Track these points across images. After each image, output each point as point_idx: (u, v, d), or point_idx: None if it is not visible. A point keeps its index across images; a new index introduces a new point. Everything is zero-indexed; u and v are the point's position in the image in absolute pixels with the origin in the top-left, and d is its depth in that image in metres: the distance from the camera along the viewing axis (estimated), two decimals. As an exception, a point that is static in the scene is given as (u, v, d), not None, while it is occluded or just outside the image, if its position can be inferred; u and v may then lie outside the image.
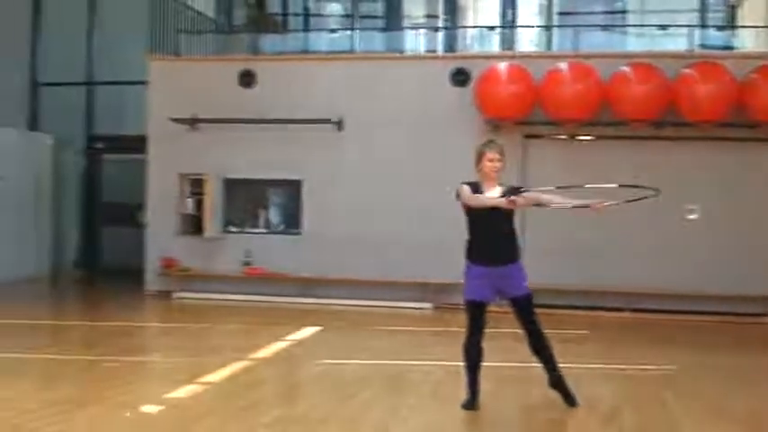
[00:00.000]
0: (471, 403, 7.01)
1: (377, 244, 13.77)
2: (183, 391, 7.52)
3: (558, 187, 7.25)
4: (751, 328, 12.63)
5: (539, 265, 13.29)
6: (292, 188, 14.53)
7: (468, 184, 6.99)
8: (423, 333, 11.61)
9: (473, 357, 7.03)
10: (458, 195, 6.98)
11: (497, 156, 6.98)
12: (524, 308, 7.06)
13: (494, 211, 6.87)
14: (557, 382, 7.14)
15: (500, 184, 7.04)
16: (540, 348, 7.10)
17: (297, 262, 14.02)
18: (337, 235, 13.91)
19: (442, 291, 13.42)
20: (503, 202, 6.77)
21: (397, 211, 13.78)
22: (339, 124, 14.13)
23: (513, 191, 6.95)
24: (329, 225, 14.02)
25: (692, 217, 13.22)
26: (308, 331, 11.18)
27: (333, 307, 13.47)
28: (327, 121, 14.06)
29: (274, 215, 14.85)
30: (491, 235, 6.97)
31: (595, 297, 13.23)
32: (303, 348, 10.17)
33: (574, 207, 7.14)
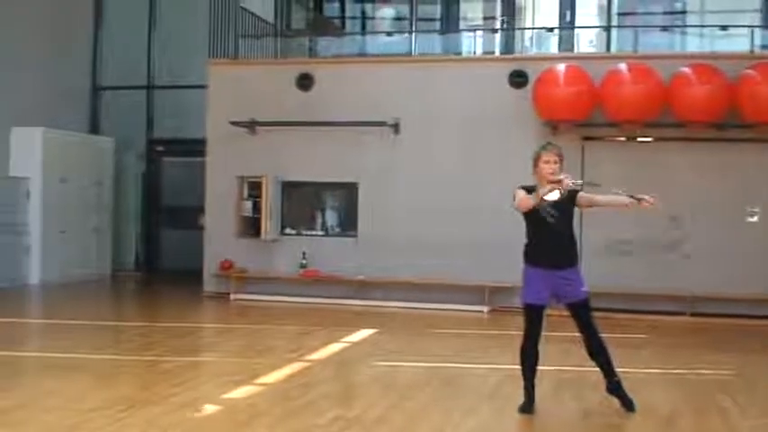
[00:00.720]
0: (527, 407, 6.96)
1: (432, 246, 13.74)
2: (240, 392, 7.59)
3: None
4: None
5: (598, 268, 13.25)
6: (348, 191, 14.59)
7: (525, 188, 6.93)
8: (479, 336, 11.55)
9: (530, 361, 6.99)
10: (514, 198, 6.92)
11: (554, 158, 6.89)
12: (582, 312, 6.99)
13: (545, 218, 6.82)
14: (615, 387, 7.06)
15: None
16: (598, 352, 7.03)
17: (353, 264, 14.06)
18: (393, 237, 13.92)
19: (499, 293, 13.35)
20: (549, 195, 6.60)
21: (452, 214, 13.73)
22: (395, 127, 14.14)
23: (571, 192, 6.87)
24: (385, 227, 14.03)
25: (752, 219, 12.96)
26: (363, 333, 11.20)
27: (388, 309, 13.48)
28: (384, 123, 14.08)
29: (330, 217, 14.91)
30: (550, 238, 6.91)
31: (656, 301, 13.03)
32: (359, 350, 10.19)
33: (631, 201, 6.92)
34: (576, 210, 7.07)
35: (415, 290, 13.75)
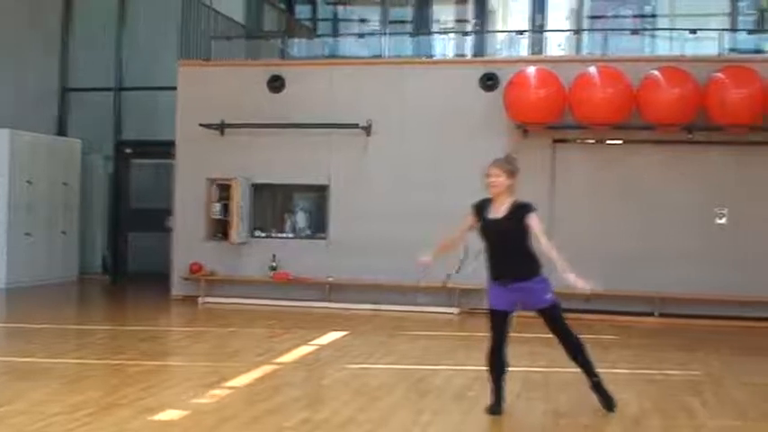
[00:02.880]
0: (496, 408, 6.96)
1: (404, 249, 13.62)
2: (208, 396, 7.52)
3: None
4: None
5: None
6: (319, 193, 14.54)
7: (480, 203, 7.08)
8: (448, 338, 11.55)
9: (497, 364, 6.99)
10: None
11: (495, 171, 6.96)
12: (551, 318, 7.01)
13: (500, 231, 6.90)
14: (595, 385, 7.11)
15: (511, 199, 6.99)
16: (576, 355, 7.07)
17: (323, 267, 14.01)
18: (364, 240, 13.86)
19: (469, 295, 13.35)
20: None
21: (424, 216, 13.67)
22: (367, 129, 14.11)
23: (520, 208, 6.93)
24: (356, 230, 13.98)
25: (721, 221, 13.06)
26: (333, 336, 11.15)
27: (358, 312, 13.43)
28: (355, 125, 14.04)
29: (301, 220, 14.83)
30: (501, 253, 6.95)
31: (625, 302, 13.08)
32: (328, 353, 10.14)
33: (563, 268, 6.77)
34: None
35: (386, 292, 13.72)
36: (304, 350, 10.08)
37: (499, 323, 6.97)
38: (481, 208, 7.05)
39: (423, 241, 13.40)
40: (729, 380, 8.75)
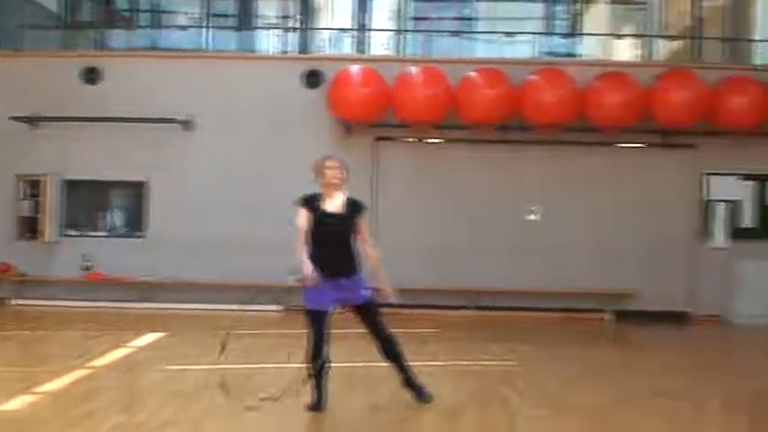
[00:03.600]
0: (317, 405, 6.95)
1: (226, 247, 13.54)
2: (18, 402, 7.14)
3: None
4: (590, 323, 13.25)
5: (388, 266, 13.48)
6: (136, 190, 14.10)
7: (309, 197, 7.05)
8: (272, 336, 11.47)
9: (317, 363, 6.97)
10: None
11: (337, 164, 7.05)
12: (367, 314, 7.10)
13: (329, 227, 6.96)
14: (407, 381, 7.20)
15: (345, 194, 7.10)
16: (389, 351, 7.15)
17: (141, 266, 13.60)
18: (184, 238, 13.58)
19: (295, 293, 13.24)
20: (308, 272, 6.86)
21: (248, 213, 13.60)
22: (187, 124, 13.81)
23: (355, 204, 7.05)
24: (177, 227, 13.68)
25: (532, 217, 13.60)
26: (151, 337, 10.86)
27: (179, 312, 13.13)
28: (175, 120, 13.73)
29: (117, 218, 14.34)
30: (336, 248, 6.98)
31: (443, 296, 13.41)
32: (146, 354, 9.87)
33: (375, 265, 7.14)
34: None
35: (207, 290, 13.48)
36: (121, 352, 9.78)
37: (318, 323, 6.97)
38: (311, 202, 7.01)
39: (246, 237, 13.51)
40: (542, 370, 9.11)
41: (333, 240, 6.96)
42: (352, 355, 9.27)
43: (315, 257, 6.96)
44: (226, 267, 13.45)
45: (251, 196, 13.60)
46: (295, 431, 6.73)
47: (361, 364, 8.90)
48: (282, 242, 13.15)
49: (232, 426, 6.63)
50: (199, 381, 8.19)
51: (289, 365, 8.76)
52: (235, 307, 13.34)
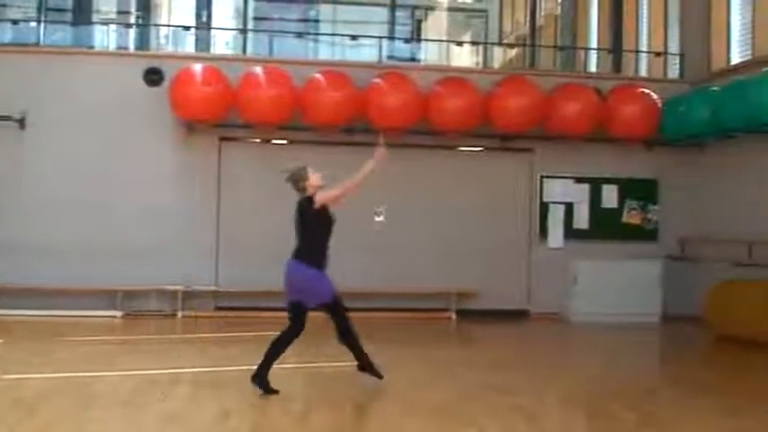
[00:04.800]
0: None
1: (62, 250, 13.03)
2: None
3: None
4: (437, 322, 13.53)
5: (231, 268, 13.36)
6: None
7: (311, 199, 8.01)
8: (111, 342, 11.08)
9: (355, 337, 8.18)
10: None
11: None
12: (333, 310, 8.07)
13: (329, 223, 8.12)
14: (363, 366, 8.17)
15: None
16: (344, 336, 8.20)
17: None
18: (17, 240, 12.96)
19: (133, 297, 12.97)
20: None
21: (88, 215, 13.15)
22: (21, 122, 13.22)
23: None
24: (8, 230, 13.03)
25: (379, 219, 13.76)
26: (-14, 345, 10.33)
27: (14, 318, 12.48)
28: (8, 118, 13.10)
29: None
30: (326, 245, 8.06)
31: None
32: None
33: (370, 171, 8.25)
34: None
35: (43, 296, 12.90)
36: (-50, 362, 9.23)
37: (306, 315, 7.84)
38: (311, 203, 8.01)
39: (85, 240, 13.04)
40: (390, 369, 9.21)
41: (329, 237, 8.11)
42: (201, 359, 9.15)
43: (322, 253, 7.99)
44: (61, 271, 12.92)
45: (92, 197, 13.17)
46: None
47: (208, 369, 8.80)
48: (122, 244, 12.98)
49: (77, 435, 6.40)
50: (39, 390, 7.84)
51: (132, 372, 8.58)
52: (71, 313, 12.93)
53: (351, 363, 8.39)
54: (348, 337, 8.10)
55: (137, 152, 13.39)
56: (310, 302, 7.90)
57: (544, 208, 14.42)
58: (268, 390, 7.62)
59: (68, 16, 17.83)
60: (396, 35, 17.18)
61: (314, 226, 7.99)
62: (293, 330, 7.86)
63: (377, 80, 13.47)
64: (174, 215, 13.26)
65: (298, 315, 7.85)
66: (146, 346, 10.43)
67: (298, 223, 8.03)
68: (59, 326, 12.02)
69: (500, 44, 20.58)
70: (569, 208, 14.43)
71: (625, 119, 13.94)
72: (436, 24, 19.19)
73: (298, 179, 8.13)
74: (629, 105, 14.02)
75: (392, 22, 16.39)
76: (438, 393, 8.10)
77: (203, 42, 16.78)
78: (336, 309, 8.01)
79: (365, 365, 8.17)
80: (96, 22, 17.87)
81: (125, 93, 13.42)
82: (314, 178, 8.11)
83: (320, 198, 7.94)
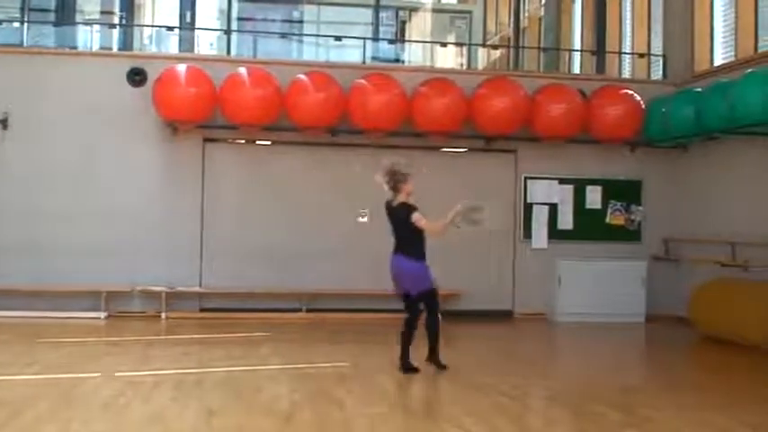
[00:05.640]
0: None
1: (44, 250, 12.96)
2: None
3: None
4: (421, 323, 13.41)
5: (216, 269, 13.34)
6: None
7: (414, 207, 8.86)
8: (95, 343, 11.03)
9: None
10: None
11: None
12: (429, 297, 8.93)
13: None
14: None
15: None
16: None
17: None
18: (1, 241, 12.92)
19: (117, 298, 12.91)
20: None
21: (70, 215, 13.07)
22: (3, 123, 13.14)
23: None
24: (-8, 231, 12.97)
25: (363, 220, 13.75)
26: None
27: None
28: (-10, 118, 13.03)
29: None
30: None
31: (275, 299, 13.35)
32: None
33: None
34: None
35: (25, 297, 12.83)
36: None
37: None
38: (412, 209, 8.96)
39: (68, 241, 12.98)
40: (374, 370, 9.23)
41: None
42: (185, 361, 9.12)
43: (425, 249, 8.87)
44: (45, 272, 12.87)
45: (74, 198, 13.10)
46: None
47: (192, 370, 8.77)
48: (105, 245, 12.93)
49: (59, 437, 6.36)
50: (22, 392, 7.80)
51: (116, 373, 8.54)
52: (55, 314, 12.86)
53: (336, 364, 8.40)
54: (434, 326, 8.89)
55: (120, 153, 13.32)
56: (413, 290, 8.71)
57: (528, 209, 14.44)
58: (438, 365, 8.93)
59: (52, 17, 17.77)
60: (380, 36, 17.20)
61: (413, 227, 8.84)
62: (412, 316, 8.81)
63: (361, 81, 13.46)
64: (158, 216, 13.21)
65: (409, 304, 8.86)
66: (129, 348, 10.38)
67: (398, 224, 8.99)
68: (43, 327, 11.96)
69: (484, 45, 20.65)
70: (553, 209, 14.45)
71: (609, 120, 13.99)
72: (420, 25, 19.21)
73: (399, 179, 8.74)
74: (613, 106, 14.06)
75: (376, 23, 16.39)
76: (422, 393, 8.10)
77: (187, 43, 16.76)
78: (432, 297, 8.83)
79: (432, 359, 9.01)
80: (80, 23, 17.82)
81: (108, 93, 13.35)
82: (409, 186, 8.76)
83: (421, 224, 8.80)
